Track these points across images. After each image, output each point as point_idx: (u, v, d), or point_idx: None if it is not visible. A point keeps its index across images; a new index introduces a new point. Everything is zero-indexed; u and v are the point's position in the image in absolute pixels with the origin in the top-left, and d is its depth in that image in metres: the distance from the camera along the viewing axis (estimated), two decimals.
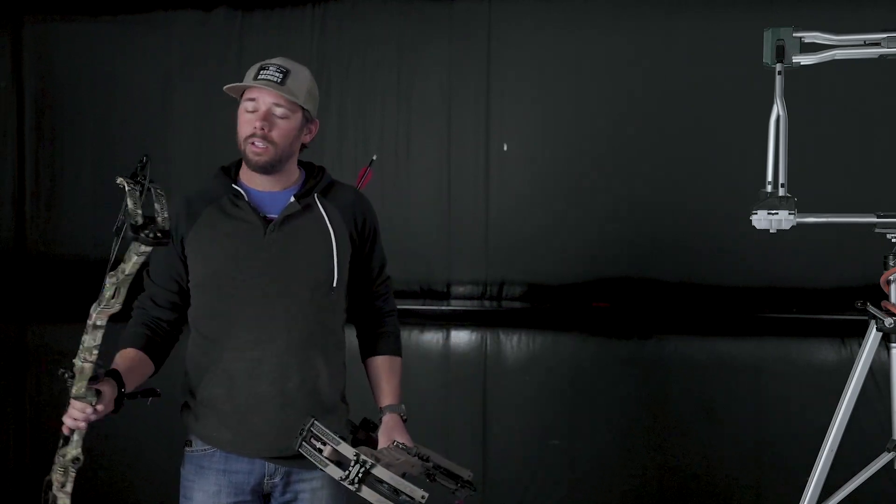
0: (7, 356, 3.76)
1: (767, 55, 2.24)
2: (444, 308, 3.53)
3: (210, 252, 2.03)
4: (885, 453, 2.20)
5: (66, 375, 1.72)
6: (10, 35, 3.75)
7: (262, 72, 2.02)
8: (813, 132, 3.09)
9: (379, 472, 1.83)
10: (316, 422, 1.87)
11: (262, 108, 2.01)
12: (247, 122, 2.02)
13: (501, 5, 3.47)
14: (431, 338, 3.52)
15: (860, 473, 2.20)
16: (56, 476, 1.85)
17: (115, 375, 1.85)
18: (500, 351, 3.49)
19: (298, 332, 2.03)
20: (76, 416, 1.77)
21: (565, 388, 3.44)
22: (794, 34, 2.23)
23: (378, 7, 3.54)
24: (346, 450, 1.86)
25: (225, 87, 2.06)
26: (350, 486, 1.81)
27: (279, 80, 2.01)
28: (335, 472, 1.84)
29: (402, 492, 1.81)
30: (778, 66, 2.22)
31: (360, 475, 1.81)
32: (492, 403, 3.48)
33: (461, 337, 3.52)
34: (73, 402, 1.76)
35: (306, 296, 2.04)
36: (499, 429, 3.47)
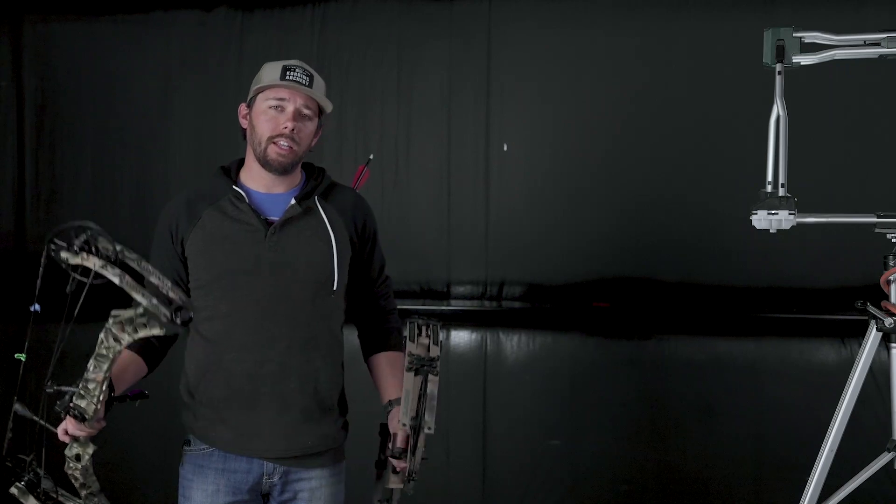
0: (7, 356, 3.76)
1: (767, 55, 2.24)
2: (444, 308, 3.53)
3: (211, 254, 2.03)
4: (885, 453, 2.20)
5: (73, 412, 1.72)
6: (10, 35, 3.74)
7: (288, 73, 2.01)
8: (813, 132, 3.09)
9: None
10: None
11: (292, 108, 2.01)
12: (271, 121, 2.02)
13: (501, 5, 3.47)
14: None
15: (860, 473, 2.21)
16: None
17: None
18: (500, 351, 3.49)
19: (299, 334, 2.03)
20: (75, 433, 1.78)
21: (565, 388, 3.44)
22: (794, 34, 2.23)
23: (378, 7, 3.54)
24: None
25: (257, 87, 2.04)
26: None
27: (307, 82, 2.02)
28: None
29: None
30: (778, 66, 2.23)
31: None
32: (492, 403, 3.47)
33: (461, 337, 3.52)
34: (72, 421, 1.75)
35: (308, 298, 2.04)
36: (499, 429, 3.47)
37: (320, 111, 2.10)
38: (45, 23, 3.75)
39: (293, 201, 2.06)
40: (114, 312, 1.60)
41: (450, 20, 3.51)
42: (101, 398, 1.72)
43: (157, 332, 1.56)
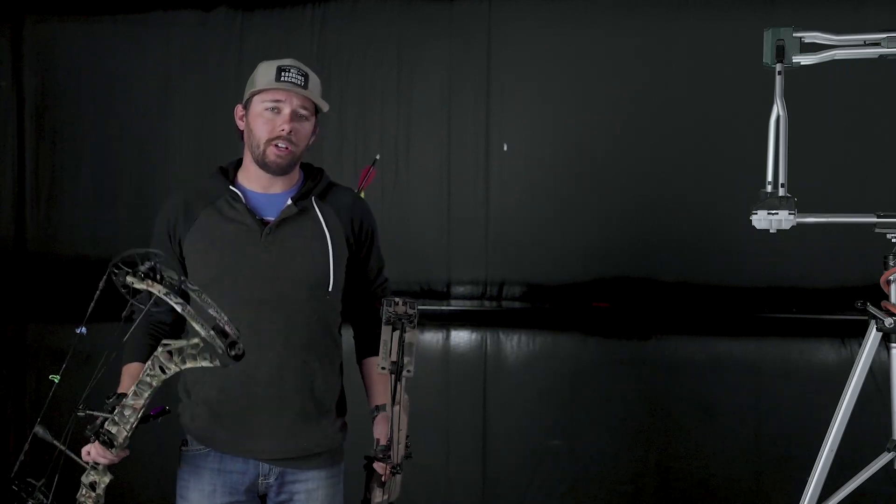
0: (7, 356, 3.76)
1: (767, 55, 2.24)
2: (444, 308, 3.52)
3: (207, 254, 2.02)
4: (885, 453, 2.20)
5: (103, 438, 1.73)
6: (10, 35, 3.74)
7: (283, 74, 2.01)
8: (813, 132, 3.09)
9: None
10: None
11: (288, 110, 2.01)
12: (268, 123, 2.01)
13: (501, 5, 3.47)
14: (431, 338, 3.52)
15: (860, 473, 2.20)
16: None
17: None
18: (500, 351, 3.49)
19: (295, 335, 2.03)
20: (111, 458, 1.79)
21: (565, 388, 3.44)
22: (794, 34, 2.22)
23: (378, 7, 3.54)
24: None
25: (253, 90, 2.04)
26: None
27: (302, 83, 2.02)
28: None
29: None
30: (778, 66, 2.22)
31: None
32: (492, 403, 3.47)
33: (461, 337, 3.52)
34: (99, 446, 1.76)
35: (303, 298, 2.04)
36: (499, 429, 3.47)
37: (317, 109, 2.10)
38: (45, 23, 3.74)
39: (289, 201, 2.05)
40: (164, 342, 1.62)
41: (450, 20, 3.50)
42: (134, 425, 1.73)
43: (205, 364, 1.58)
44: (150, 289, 1.56)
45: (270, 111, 2.02)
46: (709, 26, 3.37)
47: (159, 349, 1.63)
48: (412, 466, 2.03)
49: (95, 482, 1.82)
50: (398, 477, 1.89)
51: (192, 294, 1.59)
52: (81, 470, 1.82)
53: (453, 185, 3.51)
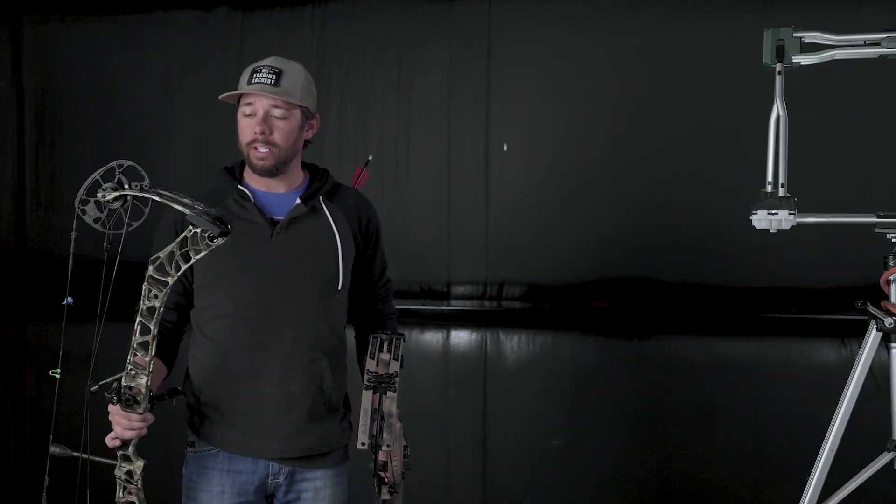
0: (7, 356, 3.76)
1: (767, 55, 2.24)
2: (444, 308, 3.53)
3: (216, 253, 2.02)
4: (885, 453, 2.20)
5: (125, 396, 1.71)
6: (10, 35, 3.75)
7: (255, 75, 2.01)
8: (813, 132, 3.09)
9: None
10: None
11: (260, 111, 2.00)
12: (246, 128, 2.02)
13: (501, 5, 3.47)
14: (431, 338, 3.52)
15: (860, 473, 2.20)
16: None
17: None
18: (500, 351, 3.49)
19: (304, 334, 2.03)
20: (138, 426, 1.78)
21: (565, 388, 3.44)
22: (794, 34, 2.23)
23: (378, 7, 3.54)
24: None
25: (220, 97, 2.05)
26: None
27: (272, 81, 1.99)
28: None
29: None
30: (778, 66, 2.22)
31: None
32: (492, 403, 3.48)
33: (461, 337, 3.52)
34: (128, 414, 1.75)
35: (313, 297, 2.04)
36: (499, 429, 3.47)
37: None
38: (45, 23, 3.75)
39: (298, 201, 2.06)
40: (152, 258, 1.60)
41: (450, 20, 3.51)
42: (151, 364, 1.69)
43: (200, 255, 1.57)
44: (123, 193, 1.58)
45: (247, 116, 2.02)
46: (709, 26, 3.37)
47: (149, 267, 1.61)
48: (412, 466, 2.04)
49: (131, 472, 1.79)
50: (398, 495, 1.92)
51: (162, 191, 1.60)
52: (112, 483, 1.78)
53: (453, 185, 3.51)
